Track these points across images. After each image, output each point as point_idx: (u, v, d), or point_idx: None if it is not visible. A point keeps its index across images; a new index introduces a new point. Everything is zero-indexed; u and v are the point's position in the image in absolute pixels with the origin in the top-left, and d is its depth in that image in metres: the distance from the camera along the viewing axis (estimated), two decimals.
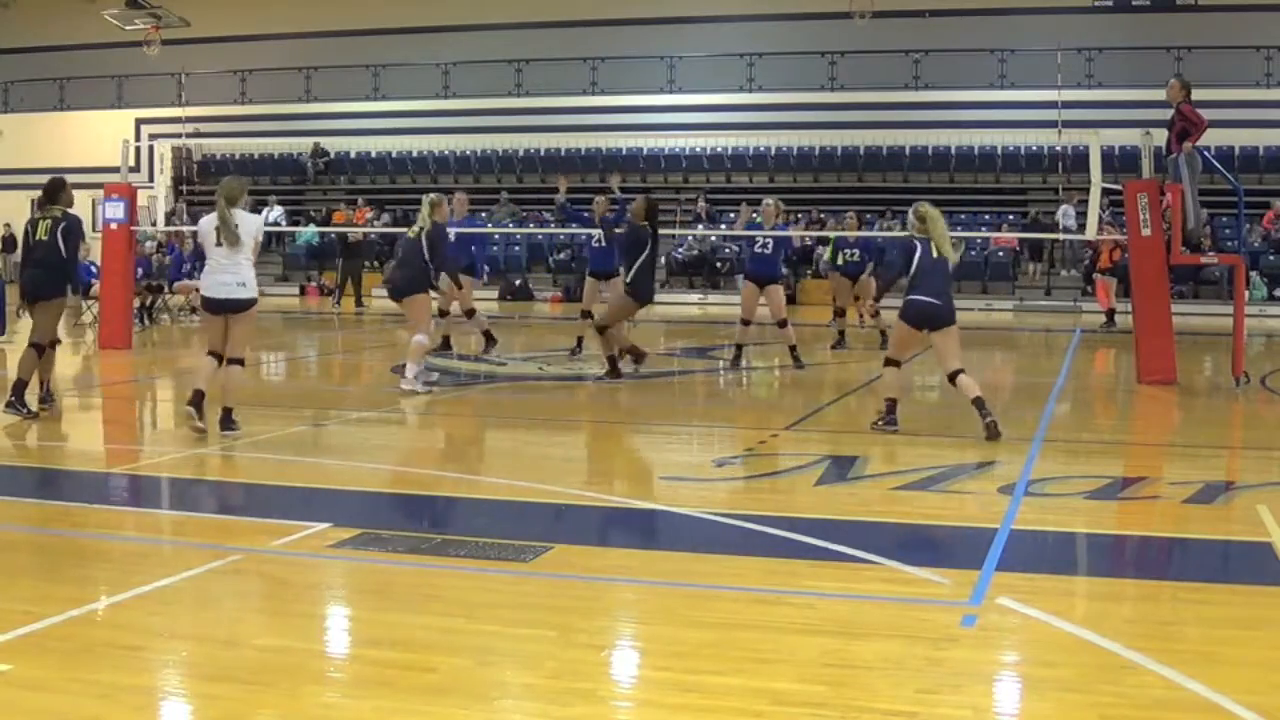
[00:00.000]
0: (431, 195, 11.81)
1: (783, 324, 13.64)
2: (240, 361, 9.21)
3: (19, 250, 16.46)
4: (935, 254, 9.25)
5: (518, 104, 31.83)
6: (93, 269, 18.58)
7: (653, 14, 31.20)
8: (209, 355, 9.23)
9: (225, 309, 9.07)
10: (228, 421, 9.02)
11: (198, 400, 8.98)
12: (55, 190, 10.11)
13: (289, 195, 32.07)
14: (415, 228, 11.61)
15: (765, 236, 13.69)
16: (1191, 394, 12.50)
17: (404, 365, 11.52)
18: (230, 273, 9.00)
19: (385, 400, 11.21)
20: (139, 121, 32.32)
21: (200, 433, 8.86)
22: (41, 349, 9.81)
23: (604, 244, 13.61)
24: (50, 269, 9.87)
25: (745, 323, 13.67)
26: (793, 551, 5.99)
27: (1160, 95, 13.05)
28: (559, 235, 26.37)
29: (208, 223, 9.20)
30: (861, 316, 18.81)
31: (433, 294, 12.07)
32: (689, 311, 25.11)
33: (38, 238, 9.90)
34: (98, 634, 4.70)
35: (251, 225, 9.24)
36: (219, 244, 9.04)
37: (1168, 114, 12.67)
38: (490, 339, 14.22)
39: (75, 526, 6.44)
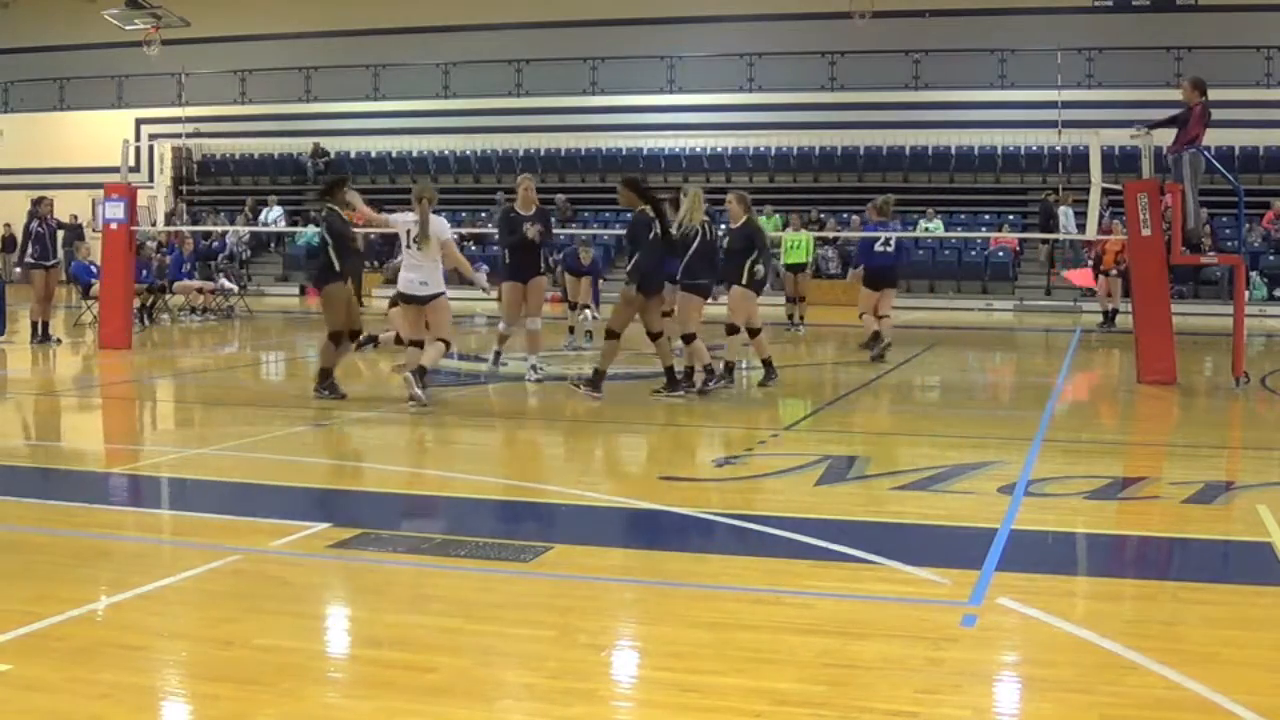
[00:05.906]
0: None
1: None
2: (445, 341, 10.38)
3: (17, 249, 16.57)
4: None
5: (518, 104, 31.84)
6: (93, 269, 18.61)
7: (653, 14, 31.19)
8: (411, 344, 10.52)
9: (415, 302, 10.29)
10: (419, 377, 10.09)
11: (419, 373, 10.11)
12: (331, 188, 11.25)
13: (289, 195, 32.01)
14: None
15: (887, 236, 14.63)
16: (1191, 394, 12.50)
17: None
18: (416, 270, 10.14)
19: (385, 400, 11.20)
20: (139, 121, 32.32)
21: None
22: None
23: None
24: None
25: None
26: (793, 551, 5.99)
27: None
28: (559, 235, 26.31)
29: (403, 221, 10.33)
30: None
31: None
32: None
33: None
34: (98, 634, 4.70)
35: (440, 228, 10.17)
36: (407, 245, 10.11)
37: (1169, 114, 12.65)
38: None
39: (75, 526, 6.44)
